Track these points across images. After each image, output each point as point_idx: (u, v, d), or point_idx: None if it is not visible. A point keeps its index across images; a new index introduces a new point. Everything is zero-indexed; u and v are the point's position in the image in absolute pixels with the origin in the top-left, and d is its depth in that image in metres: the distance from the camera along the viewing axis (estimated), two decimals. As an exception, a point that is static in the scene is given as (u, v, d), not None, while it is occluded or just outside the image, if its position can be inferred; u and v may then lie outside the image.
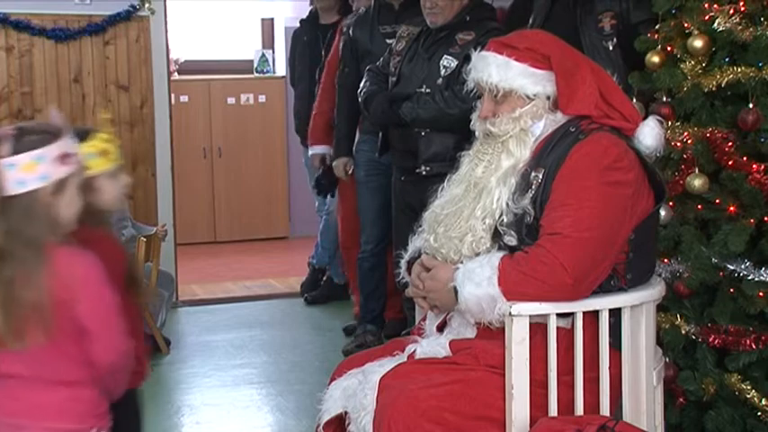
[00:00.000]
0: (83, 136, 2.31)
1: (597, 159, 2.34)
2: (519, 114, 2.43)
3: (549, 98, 2.44)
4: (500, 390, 2.32)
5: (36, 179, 2.06)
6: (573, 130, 2.41)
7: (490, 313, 2.32)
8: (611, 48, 3.57)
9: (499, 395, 2.32)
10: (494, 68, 2.44)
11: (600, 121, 2.41)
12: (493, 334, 2.37)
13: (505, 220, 2.38)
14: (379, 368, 2.44)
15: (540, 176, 2.36)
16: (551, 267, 2.27)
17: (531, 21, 3.93)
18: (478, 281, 2.32)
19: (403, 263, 2.66)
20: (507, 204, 2.38)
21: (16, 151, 2.07)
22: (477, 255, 2.39)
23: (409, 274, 2.60)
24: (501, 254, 2.35)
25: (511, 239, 2.38)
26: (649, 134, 2.43)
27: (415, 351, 2.50)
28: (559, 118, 2.44)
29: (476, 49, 2.54)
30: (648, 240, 2.47)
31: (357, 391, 2.44)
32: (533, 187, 2.37)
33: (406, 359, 2.49)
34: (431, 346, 2.49)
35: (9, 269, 2.04)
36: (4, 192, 2.05)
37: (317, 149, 5.40)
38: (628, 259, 2.38)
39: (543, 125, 2.45)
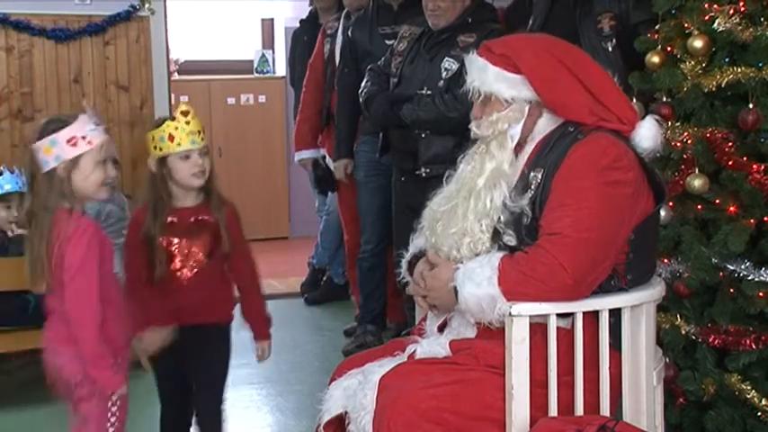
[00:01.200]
0: (159, 123, 2.91)
1: (596, 159, 2.33)
2: (496, 118, 2.45)
3: (530, 102, 2.44)
4: (500, 390, 2.32)
5: (53, 159, 2.58)
6: (571, 129, 2.41)
7: (490, 313, 2.32)
8: (610, 49, 3.57)
9: (499, 395, 2.32)
10: (475, 71, 2.47)
11: (595, 125, 2.41)
12: (493, 334, 2.37)
13: (503, 218, 2.39)
14: (378, 368, 2.44)
15: (540, 177, 2.37)
16: (551, 268, 2.27)
17: (531, 22, 3.93)
18: (479, 281, 2.32)
19: (404, 263, 2.66)
20: (504, 204, 2.39)
21: (39, 138, 2.60)
22: (477, 255, 2.40)
23: (410, 273, 2.60)
24: (501, 254, 2.35)
25: (510, 239, 2.38)
26: (646, 136, 2.42)
27: (415, 351, 2.50)
28: (555, 118, 2.45)
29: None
30: (649, 241, 2.46)
31: (357, 391, 2.44)
32: (532, 187, 2.37)
33: (406, 359, 2.49)
34: (431, 346, 2.49)
35: (35, 229, 2.62)
36: (38, 170, 2.61)
37: (303, 154, 5.43)
38: (628, 260, 2.38)
39: (541, 127, 2.45)
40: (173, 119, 2.87)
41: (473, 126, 2.50)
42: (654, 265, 2.57)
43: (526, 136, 2.46)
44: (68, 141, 2.59)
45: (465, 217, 2.42)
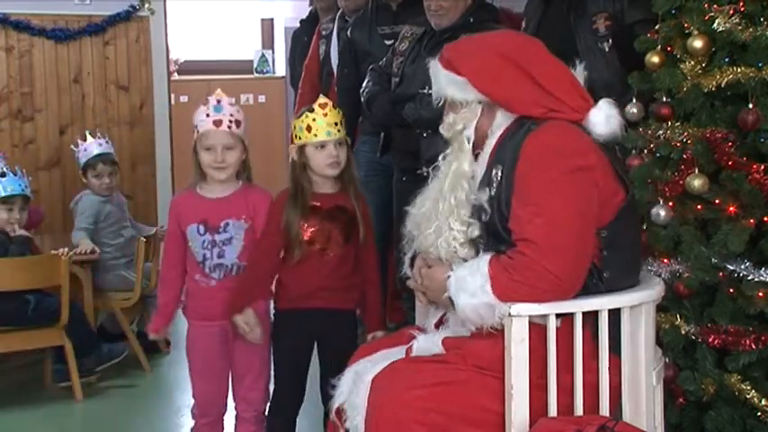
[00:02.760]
0: (301, 113, 3.10)
1: (552, 148, 2.33)
2: (453, 120, 2.50)
3: (480, 102, 2.46)
4: (487, 391, 2.33)
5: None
6: (526, 121, 2.42)
7: (490, 318, 2.32)
8: (606, 49, 3.56)
9: (486, 396, 2.33)
10: (433, 75, 2.53)
11: (546, 117, 2.40)
12: (486, 334, 2.38)
13: (465, 212, 2.42)
14: (372, 367, 2.47)
15: (500, 173, 2.37)
16: (538, 273, 2.26)
17: (524, 24, 3.93)
18: (472, 290, 2.32)
19: (406, 258, 2.68)
20: (467, 198, 2.42)
21: None
22: (456, 252, 2.42)
23: (412, 268, 2.62)
24: (488, 257, 2.34)
25: (473, 230, 2.41)
26: (597, 122, 2.40)
27: (412, 346, 2.53)
28: (512, 114, 2.46)
29: None
30: (624, 238, 2.42)
31: (351, 390, 2.47)
32: (494, 185, 2.38)
33: (404, 354, 2.52)
34: (426, 342, 2.51)
35: None
36: None
37: None
38: (602, 256, 2.36)
39: (499, 122, 2.46)
40: (311, 110, 3.04)
41: (440, 128, 2.56)
42: (637, 266, 2.54)
43: (485, 133, 2.48)
44: (193, 129, 3.10)
45: (436, 218, 2.48)
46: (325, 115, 3.04)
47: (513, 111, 2.45)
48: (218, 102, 3.10)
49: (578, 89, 2.47)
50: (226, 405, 3.26)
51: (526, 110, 2.42)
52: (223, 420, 3.28)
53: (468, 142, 2.49)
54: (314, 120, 3.04)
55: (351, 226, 3.12)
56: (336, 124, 3.06)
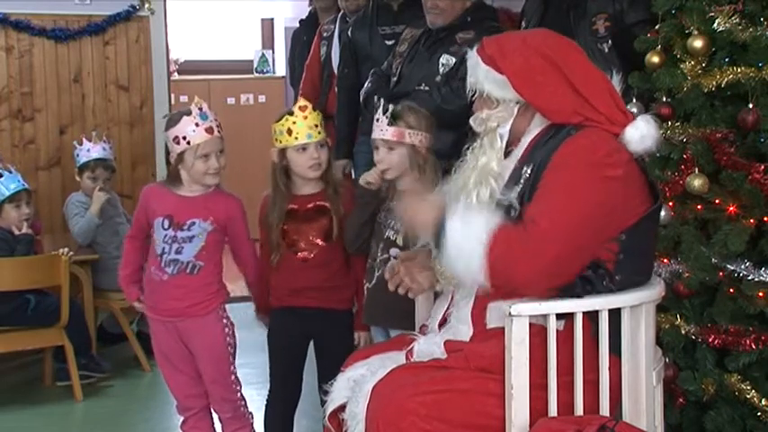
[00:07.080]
0: (280, 116, 3.12)
1: (585, 155, 2.31)
2: (486, 116, 2.46)
3: (518, 103, 2.43)
4: (488, 395, 2.32)
5: (173, 153, 3.11)
6: (566, 126, 2.40)
7: (462, 270, 2.28)
8: (606, 50, 3.56)
9: (488, 401, 2.32)
10: (471, 68, 2.49)
11: (584, 124, 2.39)
12: (487, 336, 2.37)
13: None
14: (371, 376, 2.46)
15: (529, 171, 2.36)
16: (531, 248, 2.22)
17: (523, 24, 3.93)
18: (468, 220, 2.28)
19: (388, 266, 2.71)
20: (493, 196, 2.39)
21: (165, 130, 3.12)
22: None
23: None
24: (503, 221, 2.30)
25: None
26: (632, 140, 2.37)
27: (412, 348, 2.52)
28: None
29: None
30: (642, 244, 2.41)
31: (351, 400, 2.46)
32: (521, 182, 2.36)
33: (404, 356, 2.52)
34: (428, 344, 2.50)
35: None
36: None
37: None
38: (617, 260, 2.35)
39: (538, 122, 2.44)
40: (291, 113, 3.07)
41: (470, 120, 2.52)
42: (649, 270, 2.52)
43: (521, 133, 2.46)
44: (173, 140, 3.08)
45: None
46: (306, 118, 3.08)
47: (551, 119, 2.42)
48: (201, 109, 3.09)
49: (617, 101, 2.44)
50: (205, 395, 3.29)
51: (564, 119, 2.39)
52: (210, 413, 3.31)
53: (502, 140, 2.46)
54: (294, 122, 3.06)
55: (332, 226, 3.15)
56: (316, 126, 3.09)
